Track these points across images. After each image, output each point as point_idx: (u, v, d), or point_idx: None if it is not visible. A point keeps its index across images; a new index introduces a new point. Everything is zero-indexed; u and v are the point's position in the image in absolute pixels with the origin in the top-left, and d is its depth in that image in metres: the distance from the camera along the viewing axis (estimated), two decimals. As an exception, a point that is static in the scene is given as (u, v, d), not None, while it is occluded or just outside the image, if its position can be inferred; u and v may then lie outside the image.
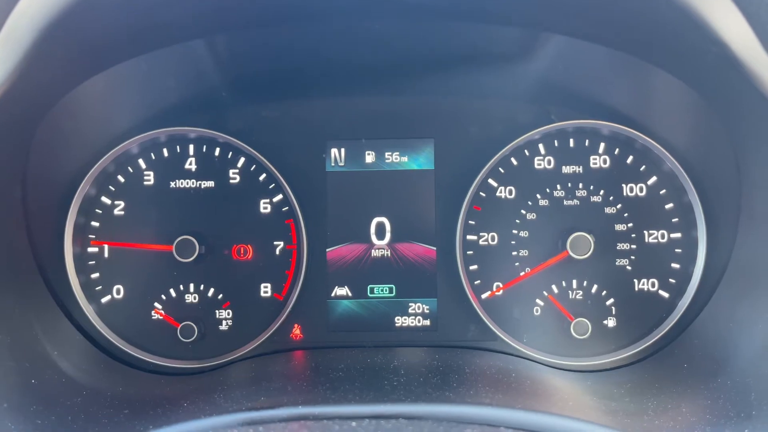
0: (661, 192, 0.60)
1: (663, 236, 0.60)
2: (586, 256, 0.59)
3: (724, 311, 0.55)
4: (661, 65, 0.50)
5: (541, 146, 0.61)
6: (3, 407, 0.43)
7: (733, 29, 0.41)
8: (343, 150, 0.62)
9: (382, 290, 0.62)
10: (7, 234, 0.52)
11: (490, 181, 0.61)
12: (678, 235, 0.60)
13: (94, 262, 0.60)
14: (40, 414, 0.44)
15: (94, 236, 0.60)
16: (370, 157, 0.62)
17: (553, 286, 0.60)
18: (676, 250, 0.60)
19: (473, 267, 0.61)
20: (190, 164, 0.61)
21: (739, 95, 0.45)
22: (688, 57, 0.46)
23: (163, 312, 0.60)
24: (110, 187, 0.60)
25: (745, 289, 0.53)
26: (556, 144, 0.61)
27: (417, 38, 0.53)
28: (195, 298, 0.60)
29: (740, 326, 0.52)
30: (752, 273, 0.52)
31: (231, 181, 0.61)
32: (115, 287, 0.60)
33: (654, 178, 0.60)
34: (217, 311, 0.61)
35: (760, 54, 0.41)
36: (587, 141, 0.61)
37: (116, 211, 0.60)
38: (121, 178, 0.60)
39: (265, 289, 0.61)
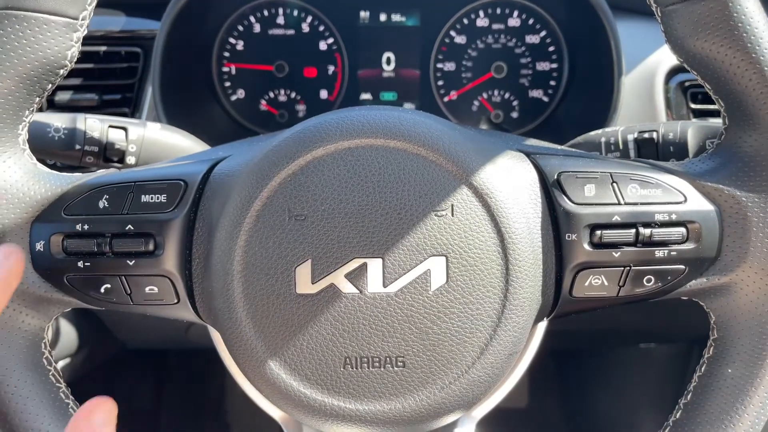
0: (546, 41, 1.04)
1: (546, 66, 1.05)
2: (502, 76, 1.03)
3: (575, 105, 1.01)
4: None
5: (481, 12, 1.03)
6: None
7: None
8: (368, 12, 1.04)
9: (388, 96, 1.07)
10: (188, 61, 0.95)
11: (451, 32, 1.04)
12: (555, 65, 1.04)
13: (226, 76, 1.04)
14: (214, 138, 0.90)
15: (226, 61, 1.04)
16: (383, 17, 1.05)
17: (484, 93, 1.05)
18: (554, 74, 1.04)
19: (440, 82, 1.06)
20: (280, 20, 1.03)
21: None
22: None
23: (267, 104, 1.05)
24: (234, 32, 1.03)
25: (587, 92, 0.99)
26: (489, 11, 1.02)
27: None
28: (286, 99, 1.06)
29: (588, 116, 0.97)
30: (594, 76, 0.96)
31: (303, 31, 1.04)
32: (239, 90, 1.04)
33: (543, 32, 1.03)
34: (296, 105, 1.06)
35: None
36: (507, 9, 1.03)
37: (238, 47, 1.02)
38: (240, 27, 1.02)
39: (323, 94, 1.06)
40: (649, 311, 0.47)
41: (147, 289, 0.45)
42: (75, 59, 0.45)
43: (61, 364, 1.01)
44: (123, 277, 0.45)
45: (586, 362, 1.53)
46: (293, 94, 1.03)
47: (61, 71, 0.45)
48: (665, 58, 0.88)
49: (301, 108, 1.04)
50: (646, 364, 1.38)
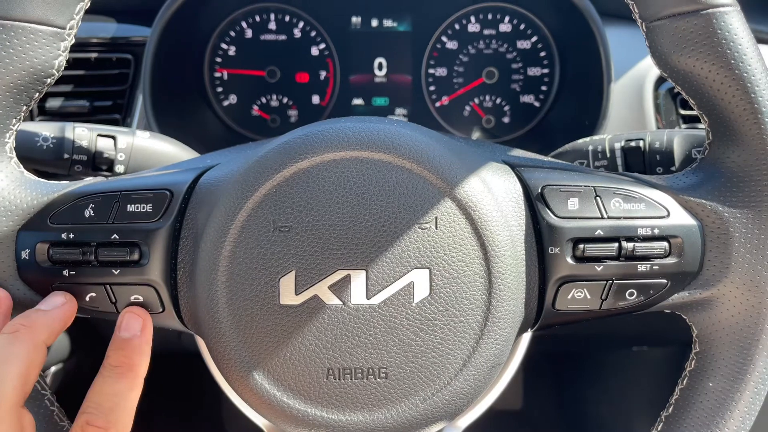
0: (537, 46, 1.04)
1: (537, 71, 1.05)
2: (493, 81, 1.04)
3: (566, 110, 1.02)
4: None
5: (472, 18, 1.03)
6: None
7: None
8: (359, 18, 1.04)
9: (380, 101, 1.07)
10: (179, 66, 0.96)
11: (443, 38, 1.04)
12: (546, 70, 1.05)
13: (218, 81, 1.04)
14: (206, 144, 0.89)
15: (218, 66, 1.04)
16: (375, 22, 1.05)
17: (476, 99, 1.06)
18: (545, 79, 1.05)
19: (432, 88, 1.06)
20: (272, 25, 1.03)
21: None
22: None
23: (259, 110, 1.05)
24: (226, 38, 1.03)
25: (578, 98, 0.99)
26: (480, 17, 1.03)
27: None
28: (277, 104, 1.06)
29: (578, 121, 0.98)
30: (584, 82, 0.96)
31: (295, 36, 1.04)
32: (231, 96, 1.04)
33: (534, 38, 1.03)
34: (288, 110, 1.06)
35: None
36: (498, 15, 1.03)
37: (230, 53, 1.03)
38: (232, 33, 1.02)
39: (315, 99, 1.07)
40: (641, 315, 0.47)
41: (132, 298, 0.46)
42: (62, 68, 0.45)
43: (53, 369, 1.01)
44: (108, 286, 0.45)
45: (579, 365, 1.54)
46: (285, 100, 1.03)
47: (49, 80, 0.45)
48: (655, 64, 0.89)
49: (293, 113, 1.04)
50: (639, 366, 1.39)
